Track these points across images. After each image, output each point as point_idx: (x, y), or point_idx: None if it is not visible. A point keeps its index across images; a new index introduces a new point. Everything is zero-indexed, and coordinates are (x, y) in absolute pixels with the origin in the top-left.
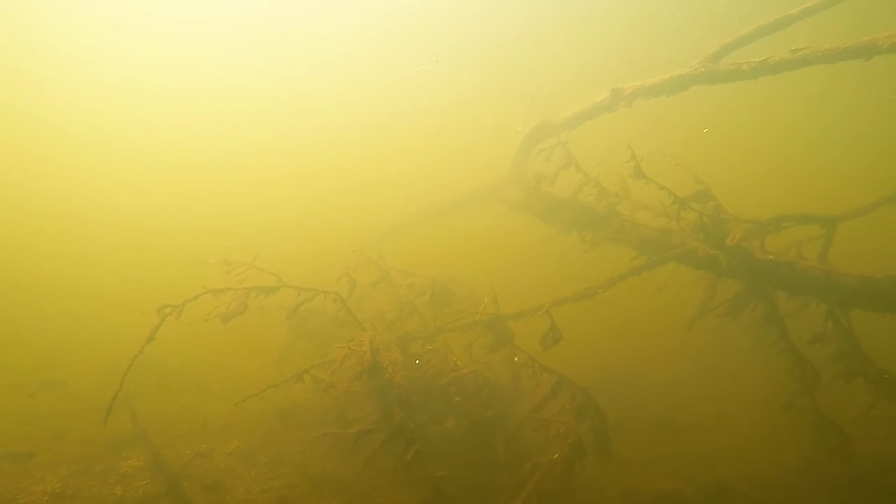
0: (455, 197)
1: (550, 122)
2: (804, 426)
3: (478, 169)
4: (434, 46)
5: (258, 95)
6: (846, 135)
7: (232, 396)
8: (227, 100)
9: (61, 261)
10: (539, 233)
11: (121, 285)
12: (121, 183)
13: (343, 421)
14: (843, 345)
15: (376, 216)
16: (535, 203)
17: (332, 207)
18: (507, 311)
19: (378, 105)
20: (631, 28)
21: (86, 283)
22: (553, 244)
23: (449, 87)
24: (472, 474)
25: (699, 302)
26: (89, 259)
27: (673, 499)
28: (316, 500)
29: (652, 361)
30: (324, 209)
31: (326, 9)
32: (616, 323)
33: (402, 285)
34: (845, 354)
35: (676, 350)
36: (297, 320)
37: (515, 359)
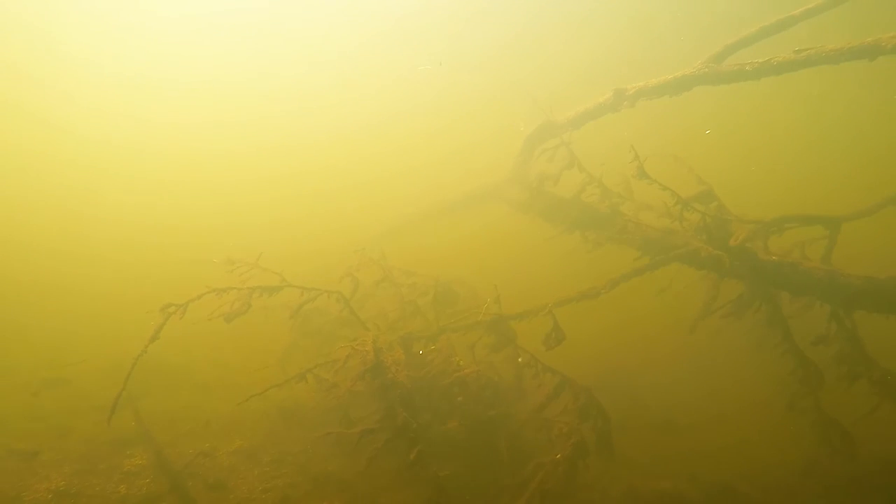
0: (457, 197)
1: (553, 122)
2: (806, 427)
3: (480, 169)
4: (435, 46)
5: (259, 94)
6: (847, 135)
7: (235, 395)
8: (228, 99)
9: (63, 259)
10: (542, 233)
11: (123, 284)
12: (122, 181)
13: (346, 420)
14: (847, 346)
15: (378, 216)
16: (538, 203)
17: (334, 207)
18: (509, 311)
19: (380, 104)
20: (633, 28)
21: (88, 281)
22: (556, 244)
23: (451, 87)
24: (474, 474)
25: (702, 302)
26: (91, 258)
27: (675, 499)
28: (319, 500)
29: (654, 361)
30: (325, 208)
31: (327, 8)
32: (619, 323)
33: (404, 285)
34: (849, 356)
35: (679, 350)
36: (301, 320)
37: (519, 359)
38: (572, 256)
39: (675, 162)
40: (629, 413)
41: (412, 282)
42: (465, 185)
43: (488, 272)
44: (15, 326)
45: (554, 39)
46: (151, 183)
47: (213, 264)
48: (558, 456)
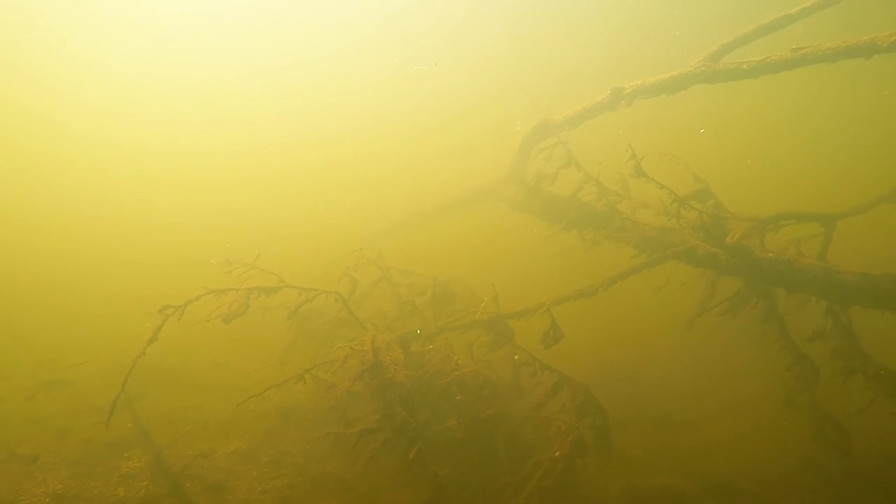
0: (455, 196)
1: (550, 121)
2: (803, 422)
3: (478, 168)
4: (433, 44)
5: (257, 93)
6: (841, 132)
7: (233, 396)
8: (226, 98)
9: (63, 260)
10: (539, 231)
11: (121, 284)
12: (121, 181)
13: (345, 420)
14: (843, 342)
15: (376, 215)
16: (536, 202)
17: (332, 206)
18: (507, 309)
19: (377, 103)
20: (630, 27)
21: (86, 281)
22: (553, 243)
23: (448, 86)
24: (473, 473)
25: (699, 300)
26: (91, 258)
27: (673, 495)
28: (318, 500)
29: (652, 359)
30: (323, 207)
31: (325, 6)
32: (616, 321)
33: (402, 284)
34: (844, 351)
35: (676, 347)
36: (299, 320)
37: (516, 357)
38: (569, 255)
39: (672, 160)
40: (627, 410)
41: (410, 281)
42: (463, 185)
43: (486, 271)
44: (14, 328)
45: (551, 38)
46: (150, 182)
47: (211, 264)
48: (557, 453)
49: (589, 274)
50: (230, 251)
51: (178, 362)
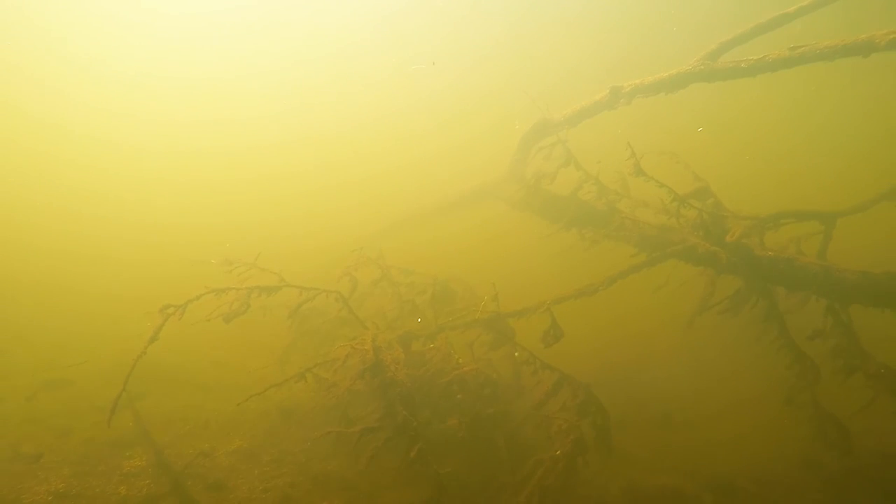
0: (455, 195)
1: (549, 120)
2: (804, 421)
3: (477, 167)
4: (433, 43)
5: (257, 93)
6: (840, 131)
7: (234, 395)
8: (226, 97)
9: (63, 260)
10: (539, 230)
11: (122, 284)
12: (121, 181)
13: (346, 419)
14: (843, 340)
15: (376, 214)
16: (535, 201)
17: (332, 205)
18: (507, 308)
19: (377, 102)
20: (629, 26)
21: (86, 281)
22: (553, 242)
23: (448, 85)
24: (474, 471)
25: (699, 298)
26: (91, 258)
27: (674, 494)
28: (319, 499)
29: (652, 358)
30: (323, 207)
31: (325, 6)
32: (616, 320)
33: (402, 284)
34: (845, 350)
35: (676, 346)
36: (299, 319)
37: (516, 354)
38: (569, 254)
39: (672, 159)
40: (627, 409)
41: (410, 280)
42: (463, 184)
43: (486, 270)
44: (15, 327)
45: (550, 38)
46: (151, 181)
47: (212, 264)
48: (558, 452)
49: (589, 273)
50: (230, 251)
51: (179, 361)
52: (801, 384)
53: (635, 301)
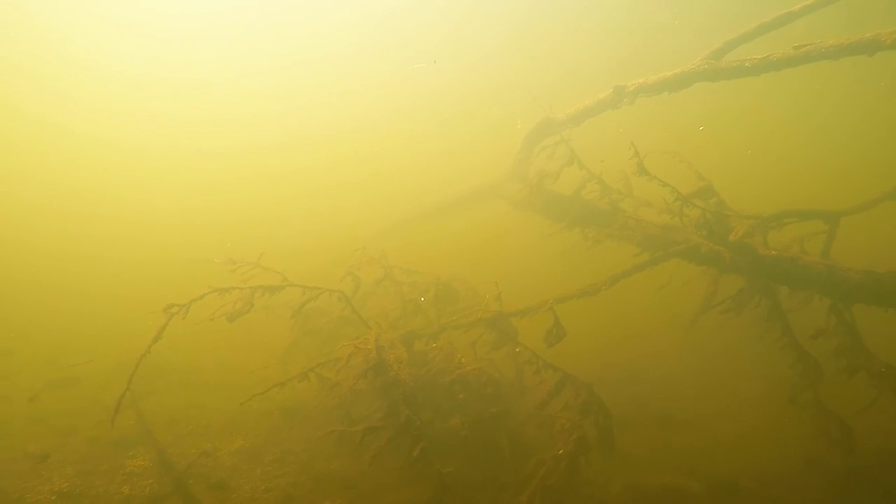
0: (458, 194)
1: (553, 119)
2: (807, 420)
3: (480, 166)
4: (434, 43)
5: (257, 93)
6: (843, 130)
7: (237, 395)
8: (227, 97)
9: (64, 259)
10: (542, 230)
11: (124, 284)
12: (121, 181)
13: (348, 419)
14: (846, 339)
15: (379, 213)
16: (538, 200)
17: (334, 204)
18: (510, 308)
19: (380, 102)
20: (632, 25)
21: (88, 281)
22: (556, 241)
23: (451, 84)
24: (477, 471)
25: (702, 298)
26: (93, 257)
27: (676, 493)
28: (321, 498)
29: (655, 357)
30: (326, 206)
31: (325, 6)
32: (619, 319)
33: (405, 283)
34: (848, 349)
35: (679, 346)
36: (302, 319)
37: (517, 349)
38: (572, 253)
39: (675, 158)
40: (629, 408)
41: (413, 280)
42: (465, 183)
43: (488, 269)
44: (18, 328)
45: (552, 37)
46: (152, 181)
47: (214, 263)
48: (560, 452)
49: (591, 272)
50: (233, 250)
51: (182, 361)
52: (804, 383)
53: (638, 300)
